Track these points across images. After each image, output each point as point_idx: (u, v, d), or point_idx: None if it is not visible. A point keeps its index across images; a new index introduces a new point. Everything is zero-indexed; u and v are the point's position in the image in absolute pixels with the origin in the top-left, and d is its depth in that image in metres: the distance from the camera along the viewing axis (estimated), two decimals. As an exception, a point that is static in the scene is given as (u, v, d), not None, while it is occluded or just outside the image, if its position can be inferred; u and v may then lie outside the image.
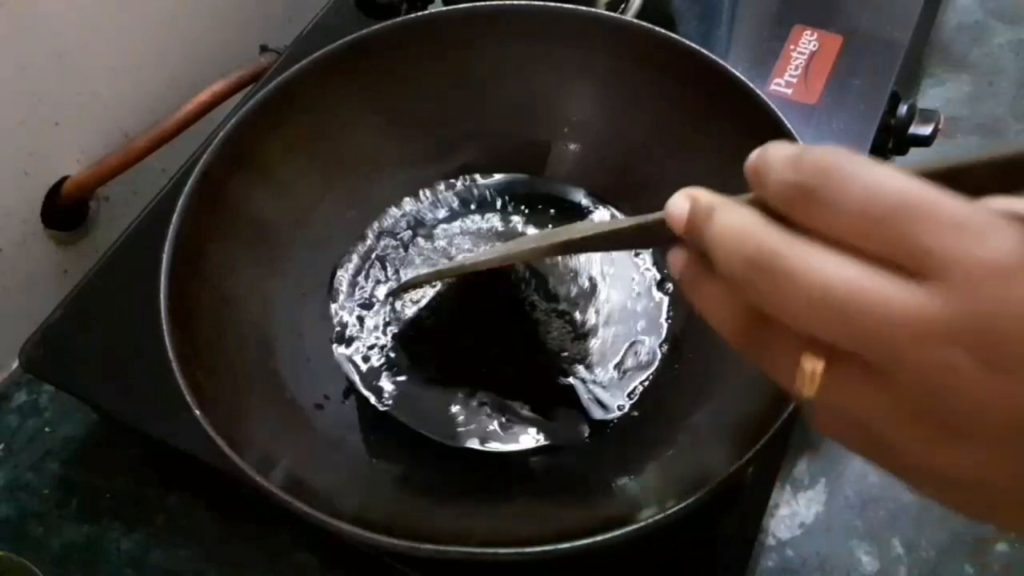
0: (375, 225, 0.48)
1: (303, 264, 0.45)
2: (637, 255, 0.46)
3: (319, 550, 0.43)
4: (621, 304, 0.45)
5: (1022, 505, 0.20)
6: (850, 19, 0.55)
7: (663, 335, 0.44)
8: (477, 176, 0.49)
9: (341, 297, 0.45)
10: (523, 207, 0.49)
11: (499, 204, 0.49)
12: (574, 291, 0.46)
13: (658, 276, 0.46)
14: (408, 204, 0.49)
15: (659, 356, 0.43)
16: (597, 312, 0.45)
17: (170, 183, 0.49)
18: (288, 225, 0.44)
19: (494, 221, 0.48)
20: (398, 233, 0.48)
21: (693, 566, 0.38)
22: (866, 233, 0.19)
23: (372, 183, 0.48)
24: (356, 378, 0.43)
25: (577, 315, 0.45)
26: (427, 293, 0.46)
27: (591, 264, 0.46)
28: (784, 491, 0.45)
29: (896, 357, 0.19)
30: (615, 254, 0.47)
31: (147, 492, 0.46)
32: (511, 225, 0.48)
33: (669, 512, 0.30)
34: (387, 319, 0.45)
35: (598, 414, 0.42)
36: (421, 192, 0.49)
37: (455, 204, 0.49)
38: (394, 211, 0.48)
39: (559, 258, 0.47)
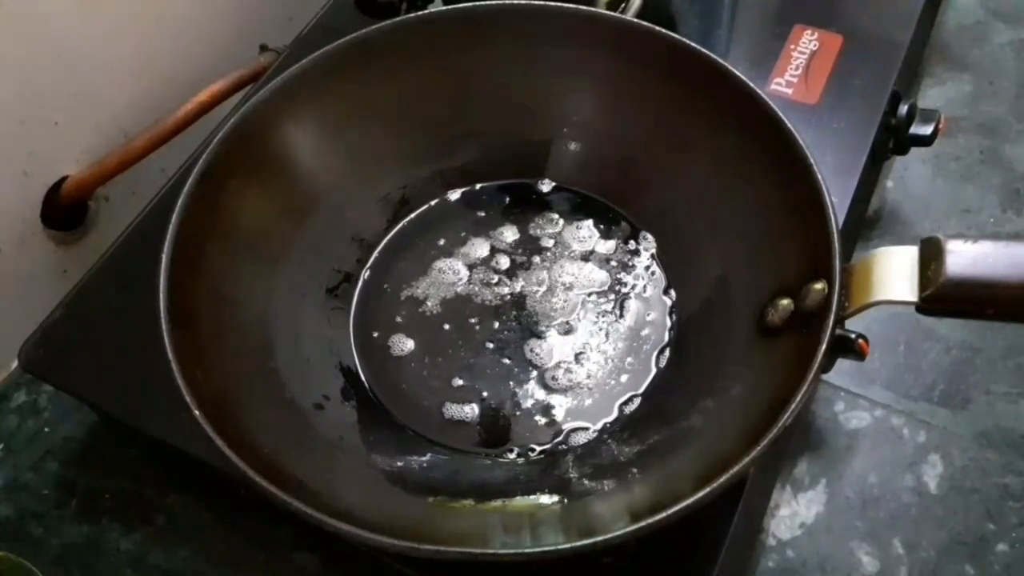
0: (375, 224, 0.48)
1: (303, 264, 0.44)
2: (638, 261, 0.46)
3: (319, 550, 0.43)
4: (624, 307, 0.45)
5: None
6: (850, 19, 0.55)
7: (665, 338, 0.44)
8: (477, 176, 0.49)
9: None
10: (522, 207, 0.49)
11: (499, 203, 0.49)
12: (575, 294, 0.46)
13: (664, 281, 0.46)
14: (407, 204, 0.49)
15: (659, 359, 0.43)
16: (600, 315, 0.45)
17: (169, 183, 0.49)
18: (288, 225, 0.44)
19: (494, 220, 0.48)
20: (397, 232, 0.48)
21: (693, 566, 0.38)
22: None
23: (371, 183, 0.48)
24: (361, 377, 0.43)
25: (580, 318, 0.45)
26: (431, 300, 0.46)
27: (595, 270, 0.46)
28: (784, 491, 0.45)
29: None
30: (620, 258, 0.47)
31: (147, 492, 0.46)
32: (509, 225, 0.48)
33: (669, 513, 0.30)
34: (389, 320, 0.45)
35: (597, 417, 0.42)
36: (420, 192, 0.49)
37: (456, 203, 0.49)
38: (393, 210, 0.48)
39: (566, 258, 0.47)
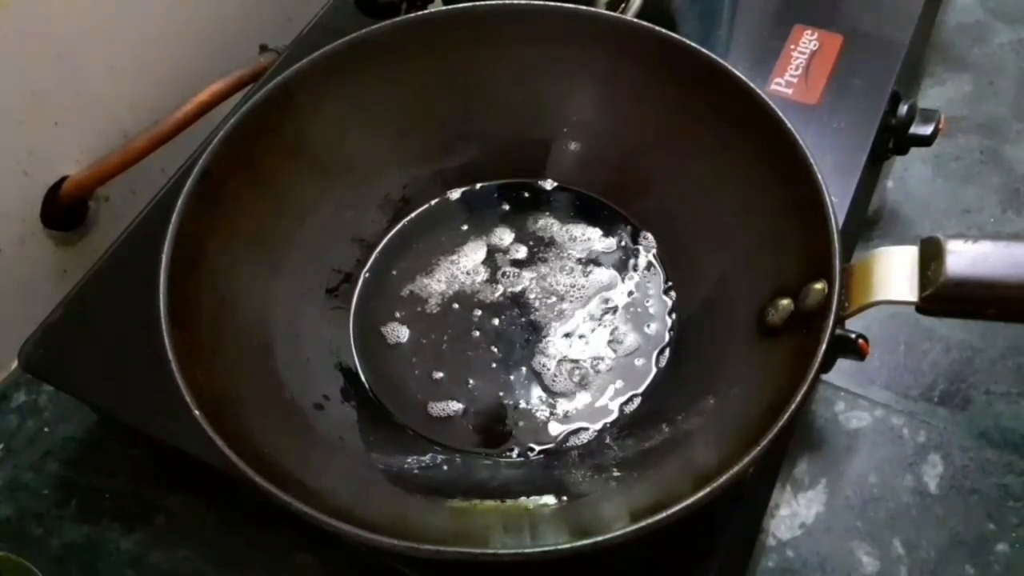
0: (375, 224, 0.48)
1: (303, 264, 0.44)
2: (643, 262, 0.46)
3: (319, 550, 0.43)
4: (624, 307, 0.45)
5: None
6: (851, 19, 0.55)
7: (665, 338, 0.44)
8: (477, 176, 0.49)
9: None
10: (522, 207, 0.49)
11: (499, 203, 0.49)
12: (576, 294, 0.46)
13: (664, 281, 0.46)
14: (407, 203, 0.49)
15: (659, 359, 0.43)
16: (600, 315, 0.45)
17: (170, 183, 0.49)
18: (288, 225, 0.44)
19: (494, 220, 0.48)
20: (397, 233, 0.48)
21: (693, 566, 0.38)
22: None
23: (371, 183, 0.48)
24: (361, 378, 0.43)
25: (580, 317, 0.45)
26: (431, 300, 0.46)
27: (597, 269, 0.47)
28: (784, 491, 0.45)
29: None
30: (620, 256, 0.47)
31: (147, 492, 0.46)
32: (509, 224, 0.48)
33: (669, 513, 0.30)
34: (389, 320, 0.45)
35: (597, 417, 0.42)
36: (420, 192, 0.49)
37: (456, 203, 0.49)
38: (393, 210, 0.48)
39: (561, 257, 0.47)
